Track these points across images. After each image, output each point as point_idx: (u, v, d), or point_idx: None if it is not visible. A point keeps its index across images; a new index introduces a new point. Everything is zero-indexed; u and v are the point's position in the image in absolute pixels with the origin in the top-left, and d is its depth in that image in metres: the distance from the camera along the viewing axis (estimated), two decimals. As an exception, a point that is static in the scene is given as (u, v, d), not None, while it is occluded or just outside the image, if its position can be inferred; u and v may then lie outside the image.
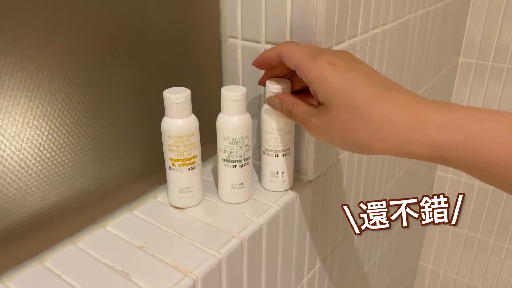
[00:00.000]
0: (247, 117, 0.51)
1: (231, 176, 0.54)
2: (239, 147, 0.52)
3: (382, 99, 0.40)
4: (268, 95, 0.52)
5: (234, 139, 0.51)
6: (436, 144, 0.37)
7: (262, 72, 0.56)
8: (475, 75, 1.14)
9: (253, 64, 0.52)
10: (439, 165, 1.27)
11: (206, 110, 0.56)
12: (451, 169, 1.25)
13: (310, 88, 0.45)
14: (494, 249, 1.28)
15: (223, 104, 0.51)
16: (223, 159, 0.53)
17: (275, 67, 0.52)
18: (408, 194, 1.08)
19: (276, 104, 0.51)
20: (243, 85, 0.60)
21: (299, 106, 0.48)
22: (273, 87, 0.51)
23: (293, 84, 0.52)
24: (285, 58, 0.47)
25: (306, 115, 0.46)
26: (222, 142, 0.52)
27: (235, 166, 0.53)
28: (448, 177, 1.27)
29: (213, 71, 0.61)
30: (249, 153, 0.53)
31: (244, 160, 0.53)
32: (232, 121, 0.50)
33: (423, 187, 1.20)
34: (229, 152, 0.52)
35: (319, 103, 0.44)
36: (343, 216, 0.74)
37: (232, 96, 0.49)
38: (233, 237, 0.49)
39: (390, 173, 0.89)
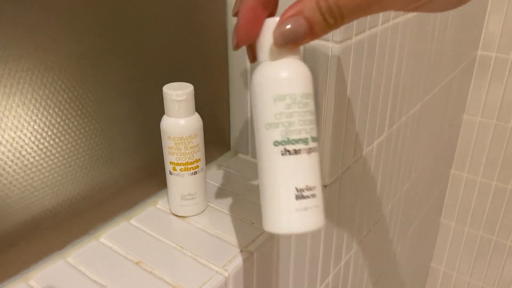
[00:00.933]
0: None
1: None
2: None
3: None
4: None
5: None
6: None
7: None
8: (494, 69, 1.08)
9: (238, 40, 0.30)
10: (454, 163, 1.22)
11: (211, 108, 0.50)
12: (467, 167, 1.20)
13: None
14: (510, 252, 1.22)
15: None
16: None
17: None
18: (424, 195, 1.02)
19: (298, 26, 0.27)
20: (250, 78, 0.54)
21: None
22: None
23: None
24: None
25: None
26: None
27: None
28: (464, 176, 1.22)
29: (219, 65, 0.55)
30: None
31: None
32: None
33: (438, 187, 1.15)
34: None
35: None
36: (358, 222, 0.69)
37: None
38: (241, 251, 0.44)
39: (407, 173, 0.84)
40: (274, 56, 0.30)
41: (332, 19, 0.26)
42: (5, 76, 0.35)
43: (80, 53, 0.40)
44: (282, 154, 0.30)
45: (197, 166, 0.47)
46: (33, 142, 0.38)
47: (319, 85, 0.50)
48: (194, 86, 0.44)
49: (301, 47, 0.47)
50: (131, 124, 0.47)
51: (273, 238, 0.46)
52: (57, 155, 0.41)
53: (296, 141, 0.30)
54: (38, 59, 0.37)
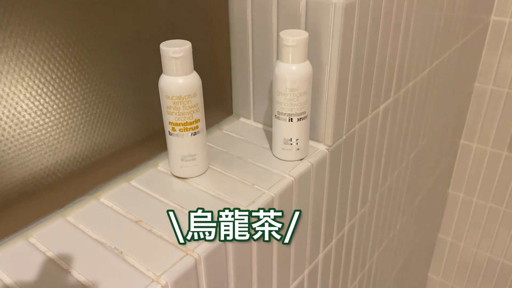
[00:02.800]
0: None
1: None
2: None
3: None
4: (281, 48, 0.46)
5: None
6: None
7: (274, 21, 0.49)
8: (508, 36, 1.04)
9: None
10: (463, 133, 1.20)
11: (211, 66, 0.49)
12: (477, 137, 1.18)
13: None
14: (519, 222, 1.21)
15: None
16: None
17: None
18: (432, 165, 1.01)
19: None
20: (252, 37, 0.53)
21: None
22: (287, 39, 0.44)
23: None
24: None
25: None
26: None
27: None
28: (473, 146, 1.20)
29: (219, 21, 0.54)
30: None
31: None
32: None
33: (446, 157, 1.13)
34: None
35: None
36: (364, 187, 0.68)
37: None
38: (241, 211, 0.44)
39: (414, 141, 0.82)
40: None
41: None
42: (-4, 29, 0.34)
43: (75, 8, 0.39)
44: None
45: (197, 127, 0.46)
46: (28, 99, 0.38)
47: (322, 43, 0.49)
48: (194, 44, 0.43)
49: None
50: (130, 83, 0.46)
51: (273, 198, 0.46)
52: (53, 112, 0.40)
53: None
54: (31, 12, 0.36)
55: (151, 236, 0.41)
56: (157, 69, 0.45)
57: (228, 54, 0.56)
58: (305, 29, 0.49)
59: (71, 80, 0.41)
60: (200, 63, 0.45)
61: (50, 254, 0.39)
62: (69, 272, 0.37)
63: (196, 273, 0.39)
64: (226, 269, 0.43)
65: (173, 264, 0.37)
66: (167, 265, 0.37)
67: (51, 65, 0.39)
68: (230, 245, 0.42)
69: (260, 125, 0.59)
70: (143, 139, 0.50)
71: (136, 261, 0.38)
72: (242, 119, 0.61)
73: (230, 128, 0.59)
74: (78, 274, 0.37)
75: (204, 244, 0.39)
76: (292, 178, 0.49)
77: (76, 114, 0.42)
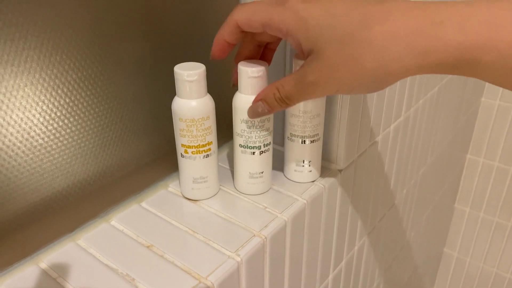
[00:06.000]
0: None
1: (249, 163, 0.47)
2: (258, 131, 0.45)
3: (380, 16, 0.32)
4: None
5: (253, 122, 0.44)
6: (461, 45, 0.30)
7: (287, 44, 0.49)
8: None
9: (212, 57, 0.43)
10: (470, 148, 1.19)
11: (223, 88, 0.49)
12: (483, 152, 1.17)
13: (291, 42, 0.37)
14: (526, 238, 1.20)
15: (240, 81, 0.44)
16: (240, 144, 0.46)
17: (241, 43, 0.44)
18: (439, 180, 1.00)
19: (261, 108, 0.41)
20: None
21: (286, 81, 0.38)
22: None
23: (245, 49, 0.44)
24: (244, 25, 0.39)
25: (299, 82, 0.37)
26: (239, 126, 0.45)
27: (253, 153, 0.46)
28: (480, 161, 1.19)
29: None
30: (270, 138, 0.46)
31: (264, 146, 0.46)
32: (250, 101, 0.43)
33: (453, 172, 1.12)
34: (247, 137, 0.45)
35: (307, 56, 0.36)
36: (373, 207, 0.67)
37: (251, 72, 0.42)
38: (254, 235, 0.43)
39: (423, 158, 0.82)
40: (245, 91, 0.43)
41: (284, 104, 0.39)
42: (11, 54, 0.34)
43: (89, 31, 0.38)
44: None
45: (209, 149, 0.45)
46: (42, 123, 0.37)
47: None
48: (206, 66, 0.43)
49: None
50: (141, 105, 0.46)
51: (286, 223, 0.45)
52: (66, 136, 0.40)
53: (252, 147, 0.46)
54: (46, 37, 0.35)
55: (163, 262, 0.40)
56: (170, 91, 0.44)
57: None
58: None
59: (84, 104, 0.40)
60: (213, 85, 0.45)
61: (60, 280, 0.38)
62: (81, 300, 0.37)
63: (209, 301, 0.38)
64: (238, 295, 0.42)
65: (187, 292, 0.37)
66: (181, 294, 0.37)
67: (65, 89, 0.38)
68: (243, 271, 0.41)
69: (275, 145, 0.59)
70: (154, 160, 0.49)
71: (149, 289, 0.37)
72: (252, 138, 0.61)
73: (240, 147, 0.59)
74: (89, 302, 0.36)
75: (219, 270, 0.39)
76: (305, 201, 0.48)
77: (88, 137, 0.42)
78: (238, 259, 0.40)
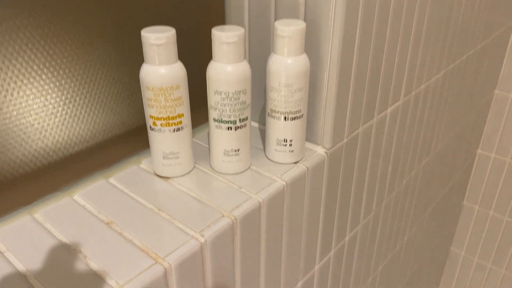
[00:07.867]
0: (244, 66, 0.41)
1: (224, 140, 0.43)
2: (233, 104, 0.41)
3: None
4: (276, 39, 0.41)
5: (227, 93, 0.41)
6: None
7: (272, 10, 0.45)
8: (533, 41, 0.98)
9: None
10: (481, 142, 1.13)
11: (202, 58, 0.45)
12: (495, 147, 1.11)
13: None
14: (538, 239, 1.14)
15: (214, 48, 0.40)
16: (214, 118, 0.43)
17: None
18: (445, 174, 0.95)
19: None
20: (249, 28, 0.49)
21: None
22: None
23: None
24: None
25: None
26: (213, 98, 0.42)
27: (229, 128, 0.43)
28: (491, 157, 1.13)
29: (214, 9, 0.50)
30: (247, 113, 0.43)
31: (240, 121, 0.42)
32: (225, 70, 0.40)
33: (461, 167, 1.07)
34: (221, 110, 0.42)
35: None
36: (367, 195, 0.63)
37: (226, 38, 0.39)
38: (223, 216, 0.40)
39: (425, 148, 0.77)
40: (219, 59, 0.40)
41: None
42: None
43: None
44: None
45: (180, 122, 0.42)
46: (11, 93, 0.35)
47: (322, 36, 0.44)
48: (183, 31, 0.39)
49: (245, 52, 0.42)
50: (111, 74, 0.43)
51: (261, 204, 0.42)
52: (25, 98, 0.37)
53: (226, 121, 0.42)
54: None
55: (120, 240, 0.37)
56: (140, 58, 0.41)
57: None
58: (304, 20, 0.45)
59: (45, 70, 0.37)
60: (191, 54, 0.42)
61: (8, 254, 0.36)
62: (25, 276, 0.34)
63: (167, 284, 0.35)
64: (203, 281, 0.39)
65: (140, 272, 0.34)
66: (133, 273, 0.33)
67: (25, 57, 0.35)
68: (207, 253, 0.38)
69: (256, 124, 0.55)
70: (124, 133, 0.46)
71: (100, 267, 0.34)
72: (237, 117, 0.57)
73: (223, 126, 0.55)
74: (34, 279, 0.33)
75: (179, 251, 0.36)
76: (284, 183, 0.44)
77: (50, 106, 0.39)
78: (202, 240, 0.37)
